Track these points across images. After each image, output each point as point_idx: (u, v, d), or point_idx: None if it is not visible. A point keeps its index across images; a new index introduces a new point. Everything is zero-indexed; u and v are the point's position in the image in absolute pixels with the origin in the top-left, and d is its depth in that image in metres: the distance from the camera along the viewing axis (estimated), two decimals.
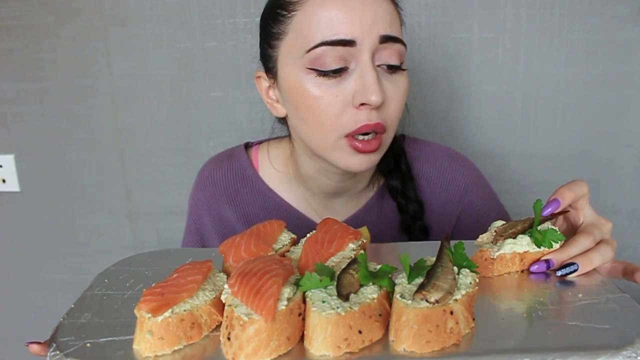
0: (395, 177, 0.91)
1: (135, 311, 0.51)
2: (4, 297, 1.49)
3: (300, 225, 0.91)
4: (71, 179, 1.36)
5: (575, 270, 0.62)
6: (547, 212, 0.65)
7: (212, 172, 0.96)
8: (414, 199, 0.91)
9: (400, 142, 0.94)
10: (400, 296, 0.50)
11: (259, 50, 0.85)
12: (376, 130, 0.75)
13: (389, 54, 0.75)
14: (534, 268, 0.62)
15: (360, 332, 0.48)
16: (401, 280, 0.53)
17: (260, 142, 0.99)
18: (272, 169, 0.94)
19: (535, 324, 0.52)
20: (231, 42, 1.23)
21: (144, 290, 0.52)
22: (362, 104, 0.73)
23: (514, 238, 0.64)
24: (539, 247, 0.63)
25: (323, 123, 0.75)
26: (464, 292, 0.51)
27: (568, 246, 0.64)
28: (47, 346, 0.51)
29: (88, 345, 0.51)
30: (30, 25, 1.26)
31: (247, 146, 0.99)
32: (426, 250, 0.59)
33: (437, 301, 0.49)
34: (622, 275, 0.67)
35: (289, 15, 0.76)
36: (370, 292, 0.52)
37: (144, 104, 1.29)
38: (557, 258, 0.62)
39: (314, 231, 0.66)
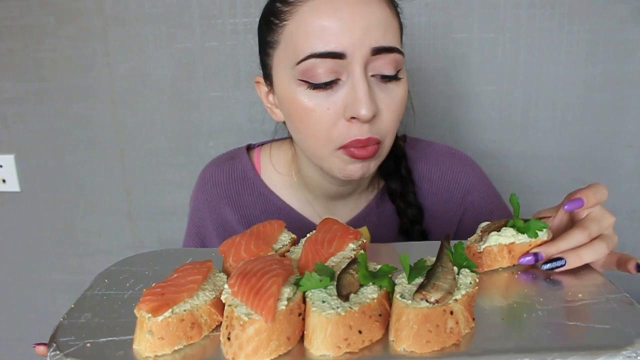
0: (394, 180, 0.90)
1: (135, 311, 0.51)
2: (4, 297, 1.49)
3: (301, 228, 0.90)
4: (71, 179, 1.36)
5: (562, 266, 0.61)
6: (569, 207, 0.64)
7: (213, 174, 0.96)
8: (414, 203, 0.90)
9: (401, 144, 0.93)
10: (400, 296, 0.50)
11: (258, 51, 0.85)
12: (369, 144, 0.74)
13: (383, 65, 0.72)
14: (522, 260, 0.62)
15: (360, 332, 0.48)
16: (401, 280, 0.53)
17: (262, 144, 0.99)
18: (274, 171, 0.94)
19: (535, 324, 0.52)
20: (231, 42, 1.23)
21: (144, 290, 0.52)
22: (353, 117, 0.72)
23: (498, 231, 0.64)
24: (523, 233, 0.63)
25: (316, 135, 0.75)
26: (464, 292, 0.51)
27: (559, 240, 0.63)
28: (47, 346, 0.51)
29: (88, 345, 0.50)
30: (30, 25, 1.26)
31: (249, 148, 0.98)
32: (426, 250, 0.59)
33: (437, 301, 0.49)
34: (616, 267, 0.66)
35: (281, 24, 0.75)
36: (370, 292, 0.52)
37: (144, 104, 1.29)
38: (545, 251, 0.62)
39: (314, 231, 0.66)
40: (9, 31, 1.27)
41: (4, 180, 1.37)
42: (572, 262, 0.61)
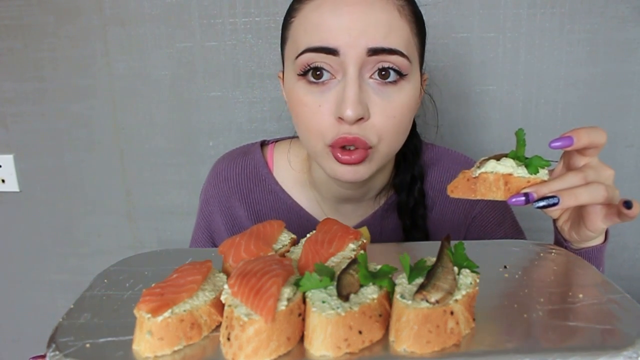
0: (405, 198, 0.89)
1: (135, 311, 0.51)
2: (4, 297, 1.48)
3: (310, 228, 0.89)
4: (71, 179, 1.36)
5: (555, 204, 0.58)
6: (556, 145, 0.61)
7: (225, 169, 0.95)
8: (422, 228, 0.89)
9: (421, 167, 0.90)
10: (401, 296, 0.50)
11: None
12: (356, 145, 0.72)
13: (382, 67, 0.71)
14: (512, 201, 0.60)
15: (360, 332, 0.48)
16: (401, 280, 0.53)
17: (276, 140, 0.98)
18: (289, 169, 0.93)
19: (535, 324, 0.51)
20: (231, 42, 1.22)
21: (144, 290, 0.52)
22: (341, 117, 0.71)
23: (498, 160, 0.61)
24: (523, 166, 0.60)
25: (309, 130, 0.75)
26: (464, 293, 0.50)
27: (552, 181, 0.60)
28: (47, 347, 0.51)
29: (87, 345, 0.50)
30: (30, 25, 1.26)
31: (263, 144, 0.98)
32: (426, 250, 0.59)
33: (437, 301, 0.48)
34: (618, 217, 0.63)
35: (290, 21, 0.77)
36: (370, 292, 0.51)
37: (144, 104, 1.29)
38: (537, 191, 0.60)
39: (314, 231, 0.66)
40: (8, 31, 1.27)
41: (3, 180, 1.37)
42: (567, 201, 0.58)
